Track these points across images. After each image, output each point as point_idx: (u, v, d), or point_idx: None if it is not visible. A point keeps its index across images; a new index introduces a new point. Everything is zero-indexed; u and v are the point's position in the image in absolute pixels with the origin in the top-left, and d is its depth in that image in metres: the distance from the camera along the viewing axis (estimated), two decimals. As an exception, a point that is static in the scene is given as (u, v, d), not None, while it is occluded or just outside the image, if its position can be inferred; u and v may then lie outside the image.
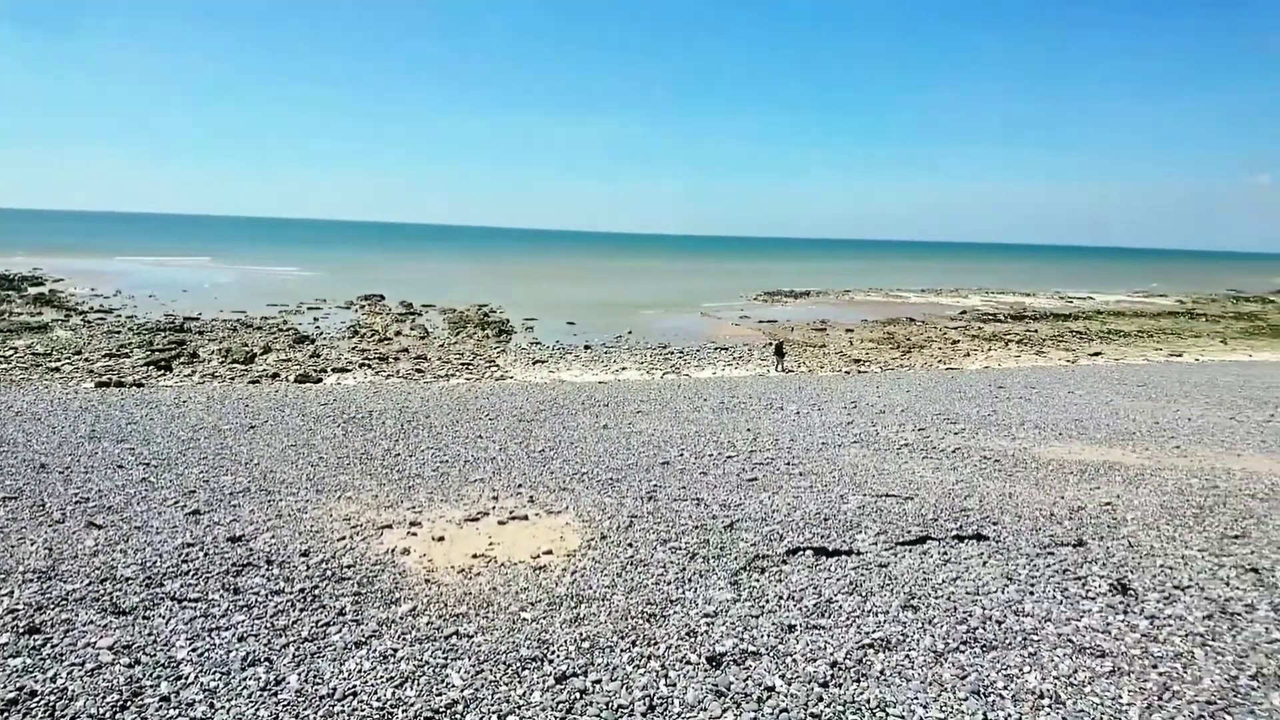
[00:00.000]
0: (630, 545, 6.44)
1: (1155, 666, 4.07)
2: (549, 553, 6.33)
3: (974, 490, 8.39)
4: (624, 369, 22.85)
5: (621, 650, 4.49)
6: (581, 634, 4.72)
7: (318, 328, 29.18)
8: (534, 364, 23.36)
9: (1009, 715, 3.63)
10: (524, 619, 4.98)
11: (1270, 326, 37.93)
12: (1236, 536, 6.57)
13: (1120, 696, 3.76)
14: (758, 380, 20.00)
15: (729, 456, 10.15)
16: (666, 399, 15.49)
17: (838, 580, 5.58)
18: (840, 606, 5.08)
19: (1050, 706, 3.70)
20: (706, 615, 4.97)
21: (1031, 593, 5.22)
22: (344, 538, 6.58)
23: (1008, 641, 4.45)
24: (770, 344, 28.01)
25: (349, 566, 5.88)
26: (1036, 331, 33.09)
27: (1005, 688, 3.88)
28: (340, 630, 4.76)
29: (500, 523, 7.17)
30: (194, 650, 4.41)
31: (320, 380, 19.25)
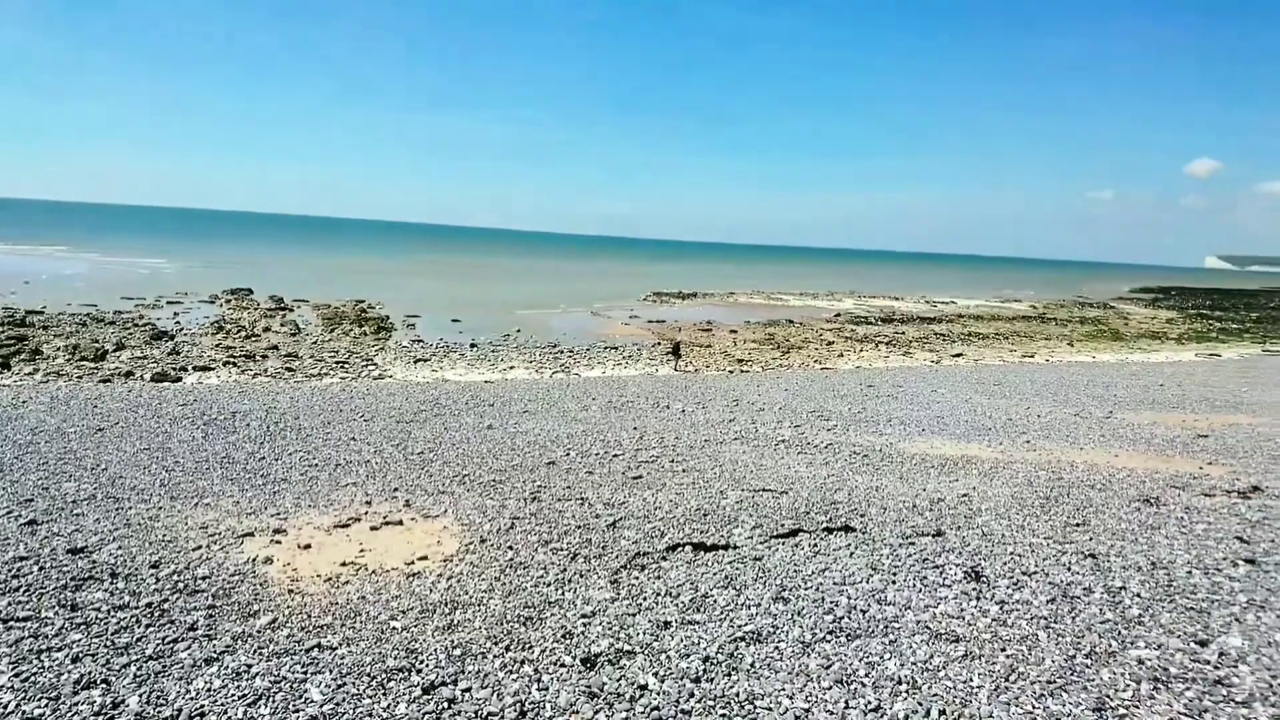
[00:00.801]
0: (510, 548, 6.34)
1: (1003, 649, 4.35)
2: (424, 558, 6.14)
3: (844, 484, 8.76)
4: (512, 368, 22.53)
5: (495, 656, 4.40)
6: (454, 641, 4.60)
7: (178, 323, 27.23)
8: (415, 363, 22.65)
9: (869, 702, 3.80)
10: (393, 628, 4.80)
11: (1111, 331, 41.59)
12: (1078, 525, 7.11)
13: (971, 680, 4.00)
14: (646, 379, 20.17)
15: (615, 455, 10.18)
16: (555, 398, 15.37)
17: (714, 575, 5.68)
18: (715, 601, 5.17)
19: (908, 692, 3.89)
20: (584, 616, 4.94)
21: (894, 582, 5.49)
22: (200, 547, 6.15)
23: (870, 630, 4.65)
24: (659, 343, 28.34)
25: (204, 578, 5.50)
26: (904, 334, 34.99)
27: (867, 675, 4.06)
28: (190, 647, 4.44)
29: (373, 528, 6.89)
30: (17, 675, 4.00)
31: (179, 379, 17.96)
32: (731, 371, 22.94)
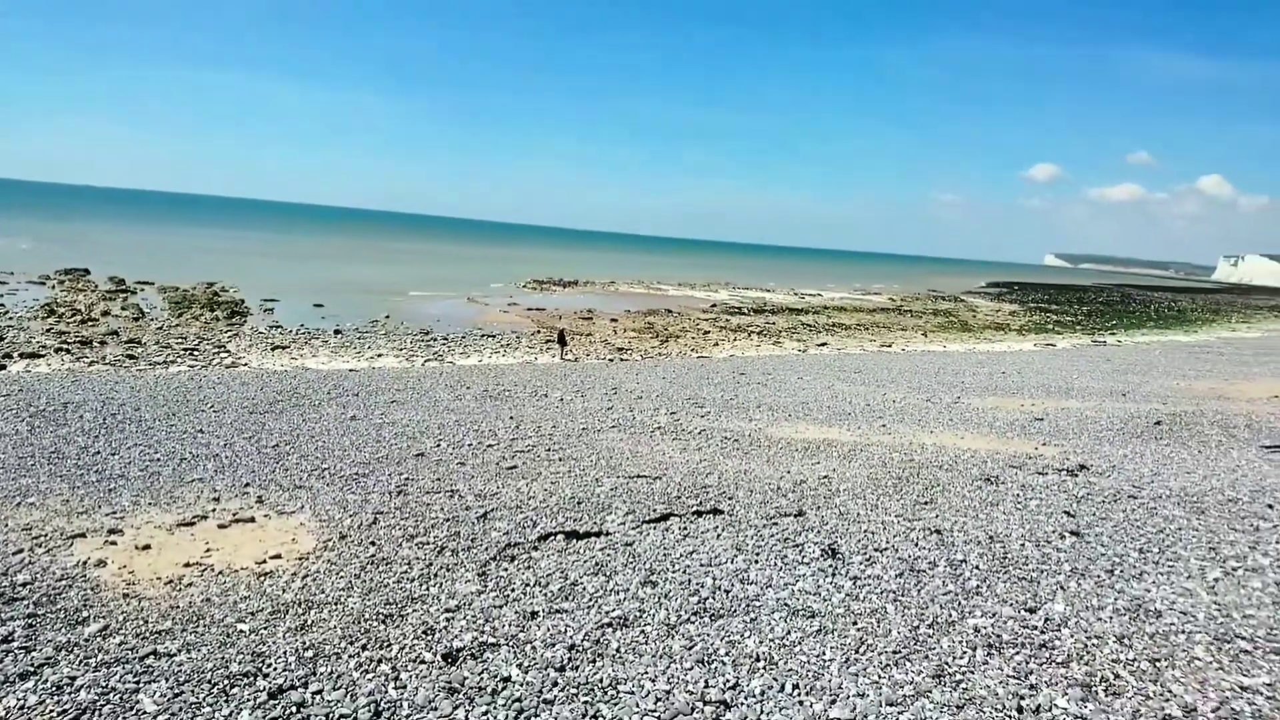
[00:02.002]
0: (373, 544, 6.08)
1: (855, 623, 4.56)
2: (277, 557, 5.80)
3: (715, 468, 8.95)
4: (380, 355, 21.68)
5: (350, 656, 4.20)
6: (306, 642, 4.35)
7: (1, 305, 24.55)
8: (273, 350, 21.40)
9: (728, 680, 3.89)
10: (240, 631, 4.50)
11: (961, 323, 44.69)
12: (926, 503, 7.55)
13: (824, 653, 4.17)
14: (525, 367, 19.93)
15: (489, 445, 9.98)
16: (426, 388, 14.90)
17: (585, 562, 5.66)
18: (585, 588, 5.15)
19: (765, 668, 4.01)
20: (448, 611, 4.80)
21: (757, 561, 5.66)
22: (21, 551, 5.57)
23: (733, 609, 4.77)
24: (538, 331, 28.06)
25: (25, 584, 4.98)
26: (775, 324, 36.31)
27: (727, 654, 4.16)
28: (3, 661, 3.99)
29: (221, 526, 6.45)
30: None
31: (3, 367, 16.21)
32: (612, 360, 23.05)
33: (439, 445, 9.87)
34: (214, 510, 6.82)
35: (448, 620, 4.66)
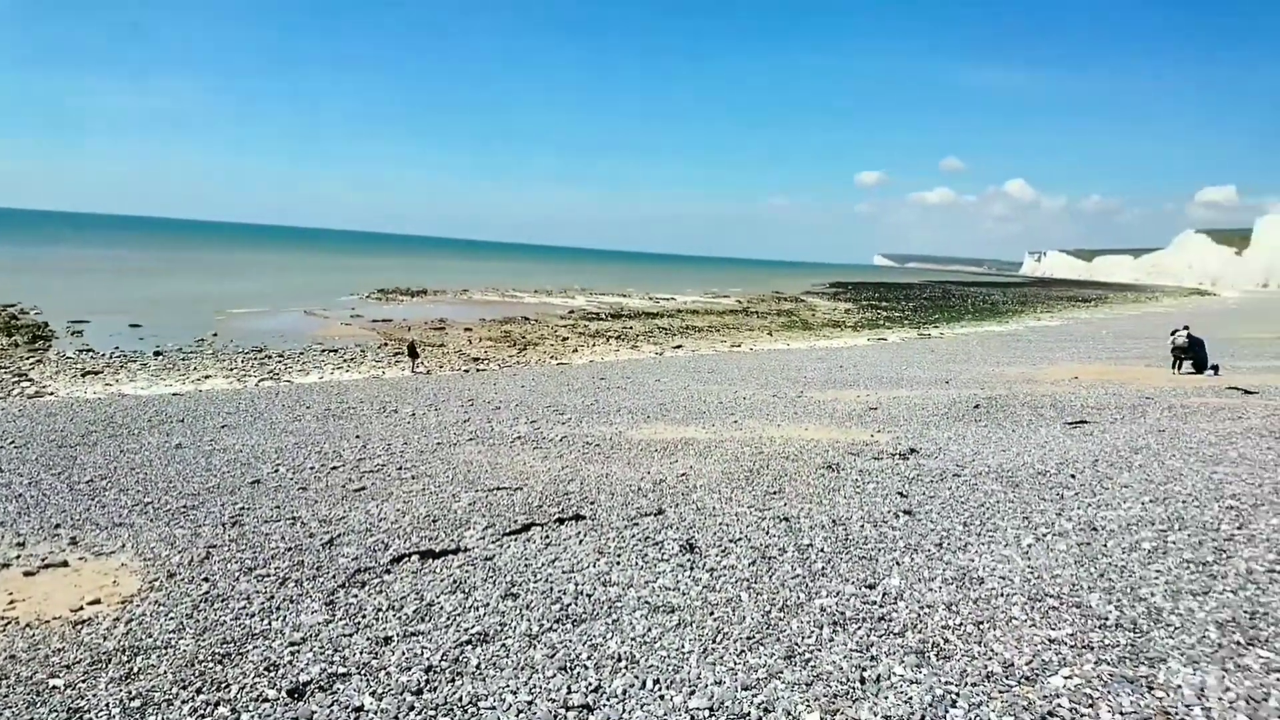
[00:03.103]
0: (206, 580, 5.63)
1: (712, 614, 4.69)
2: (96, 603, 5.25)
3: (577, 474, 8.96)
4: (208, 377, 20.12)
5: (183, 702, 3.86)
6: (132, 692, 3.96)
7: None
8: (84, 376, 19.37)
9: (590, 683, 3.89)
10: (53, 687, 4.03)
11: (802, 321, 47.14)
12: (775, 493, 7.89)
13: (683, 646, 4.25)
14: (371, 383, 19.11)
15: (334, 467, 9.49)
16: (261, 409, 13.97)
17: (442, 581, 5.50)
18: (442, 608, 5.00)
19: (626, 667, 4.05)
20: (292, 644, 4.51)
21: (618, 562, 5.70)
22: None
23: (595, 613, 4.78)
24: (385, 344, 26.97)
25: None
26: (632, 328, 36.86)
27: (589, 658, 4.16)
28: None
29: (28, 574, 5.77)
30: None
31: None
32: (467, 370, 22.55)
33: (277, 470, 9.29)
34: (18, 557, 6.09)
35: (293, 654, 4.38)
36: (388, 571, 5.79)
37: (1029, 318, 56.74)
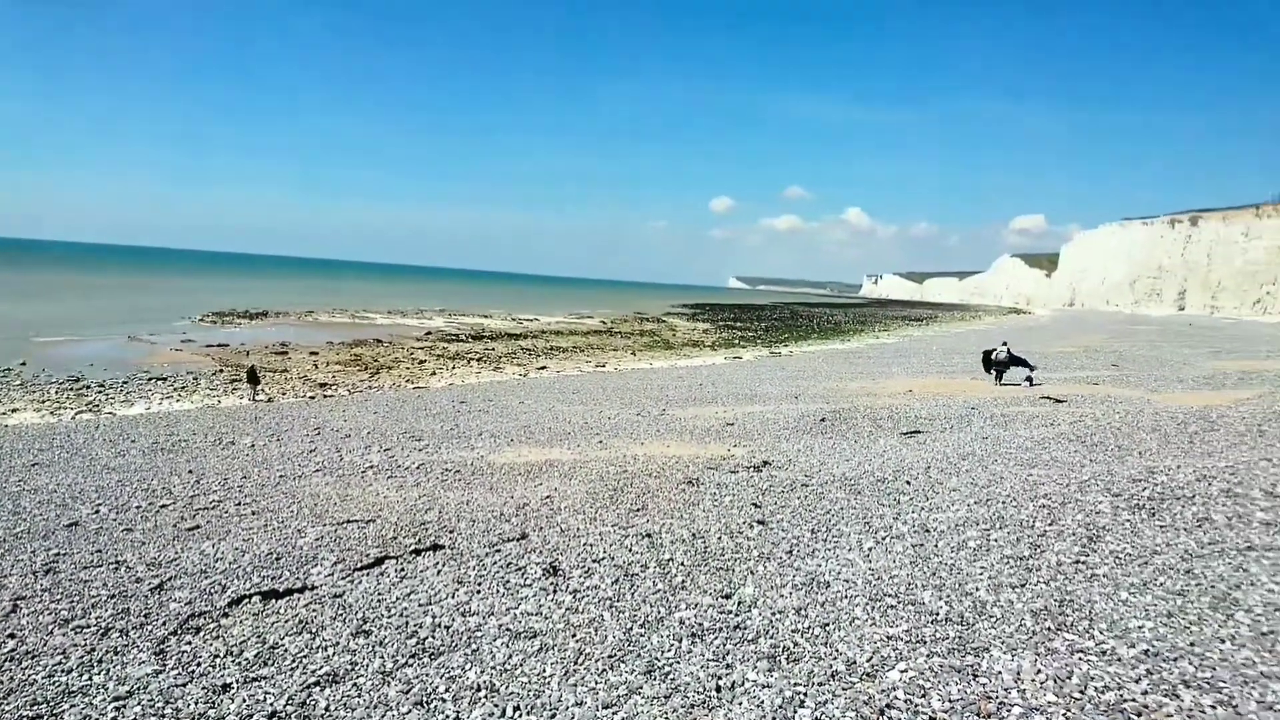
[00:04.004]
0: (12, 636, 5.01)
1: (574, 635, 4.68)
2: None
3: (435, 503, 8.68)
4: (15, 410, 17.99)
5: (-22, 781, 3.42)
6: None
7: None
8: None
9: (447, 716, 3.78)
10: None
11: (664, 341, 48.10)
12: (639, 510, 7.98)
13: (545, 670, 4.22)
14: (206, 412, 17.71)
15: (163, 505, 8.72)
16: (79, 444, 12.64)
17: (286, 622, 5.16)
18: (286, 650, 4.69)
19: (485, 697, 3.96)
20: (117, 700, 4.10)
21: (479, 591, 5.57)
22: None
23: (454, 644, 4.65)
24: (221, 370, 25.13)
25: None
26: (494, 349, 36.29)
27: (447, 690, 4.04)
28: None
29: None
30: None
31: None
32: (313, 397, 21.36)
33: (99, 511, 8.43)
34: None
35: (117, 710, 3.98)
36: (226, 615, 5.37)
37: (869, 336, 60.58)
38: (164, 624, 5.21)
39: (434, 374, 27.42)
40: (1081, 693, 3.64)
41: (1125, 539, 5.97)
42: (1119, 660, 3.95)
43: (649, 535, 6.90)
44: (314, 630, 5.00)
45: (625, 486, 9.16)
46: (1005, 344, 21.20)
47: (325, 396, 21.52)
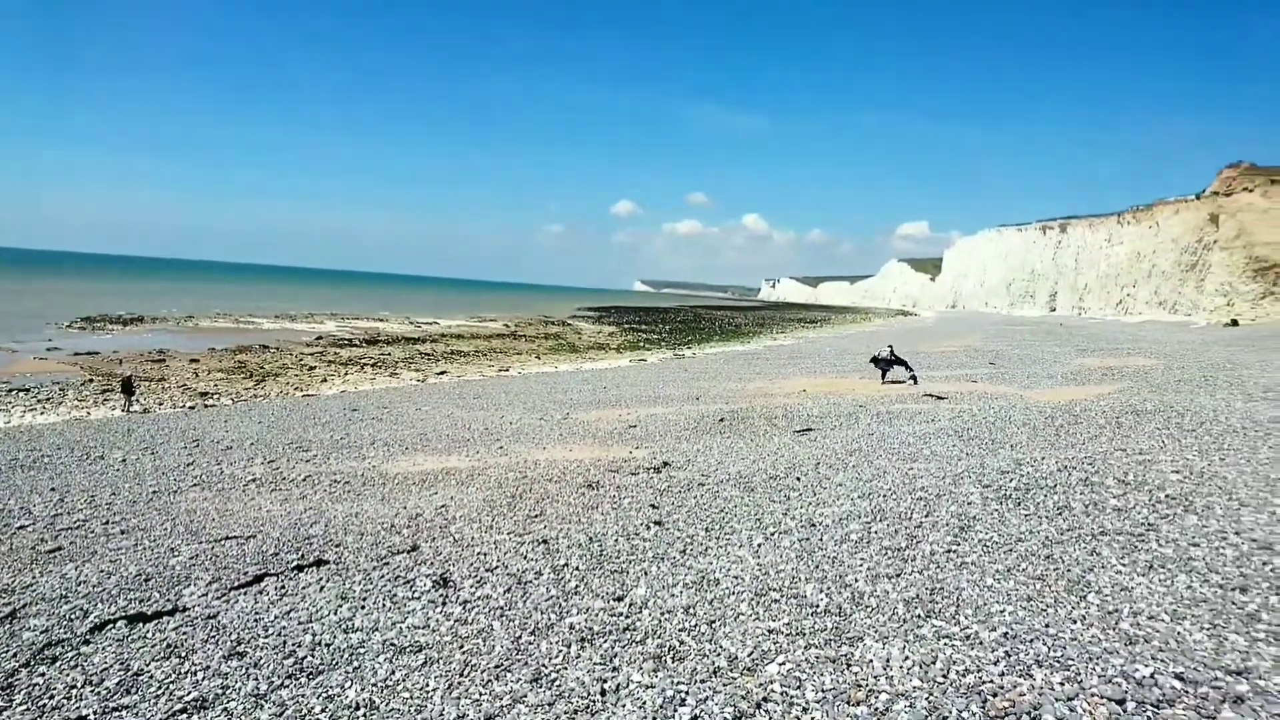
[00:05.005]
0: None
1: (461, 647, 4.60)
2: None
3: (321, 516, 8.36)
4: None
5: None
6: None
7: None
8: None
9: (322, 737, 3.66)
10: None
11: (569, 344, 47.94)
12: (536, 516, 7.92)
13: (428, 685, 4.13)
14: (73, 425, 16.45)
15: (20, 527, 8.06)
16: (-83, 465, 11.51)
17: (153, 647, 4.86)
18: (152, 676, 4.42)
19: (364, 715, 3.85)
20: (-50, 745, 3.76)
21: (363, 606, 5.40)
22: None
23: (334, 662, 4.49)
24: (91, 379, 23.42)
25: None
26: (390, 355, 35.24)
27: (324, 710, 3.90)
28: None
29: None
30: None
31: None
32: (193, 407, 20.19)
33: (-59, 537, 7.71)
34: None
35: (-51, 758, 3.65)
36: (86, 642, 5.02)
37: (767, 338, 62.22)
38: (14, 656, 4.82)
39: (324, 381, 26.40)
40: (945, 677, 3.86)
41: (993, 528, 6.36)
42: (981, 644, 4.20)
43: (545, 541, 6.87)
44: (183, 654, 4.73)
45: (524, 493, 9.08)
46: (890, 347, 22.39)
47: (206, 406, 20.37)
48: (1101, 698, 3.57)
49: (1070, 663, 3.94)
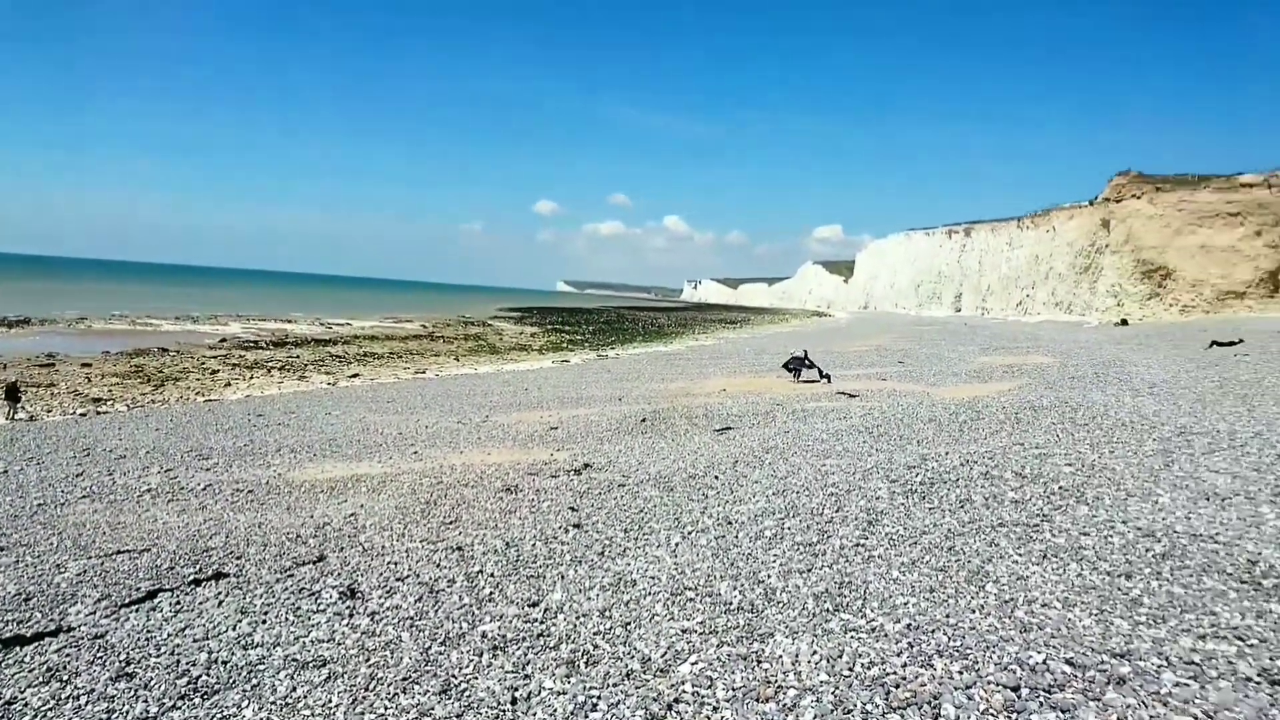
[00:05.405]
0: None
1: (368, 660, 4.45)
2: None
3: (222, 526, 7.98)
4: None
5: None
6: None
7: None
8: None
9: (216, 761, 3.48)
10: None
11: (489, 345, 47.22)
12: (451, 522, 7.75)
13: (331, 700, 3.98)
14: (-57, 437, 15.22)
15: (-121, 549, 7.40)
16: None
17: (31, 672, 4.53)
18: (28, 704, 4.12)
19: (263, 735, 3.69)
20: None
21: (264, 621, 5.17)
22: None
23: (231, 681, 4.28)
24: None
25: None
26: (299, 357, 33.93)
27: (217, 733, 3.72)
28: None
29: None
30: None
31: None
32: (85, 413, 18.97)
33: None
34: None
35: None
36: (-48, 672, 4.63)
37: (689, 338, 62.82)
38: None
39: (228, 385, 25.22)
40: (850, 670, 3.96)
41: (899, 521, 6.57)
42: (885, 636, 4.33)
43: (460, 548, 6.73)
44: (65, 678, 4.43)
45: (439, 499, 8.89)
46: (805, 351, 23.02)
47: (99, 413, 19.16)
48: (997, 685, 3.73)
49: (969, 652, 4.09)
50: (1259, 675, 3.69)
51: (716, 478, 8.94)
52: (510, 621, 4.88)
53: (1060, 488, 7.28)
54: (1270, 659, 3.83)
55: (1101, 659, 3.92)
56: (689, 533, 6.72)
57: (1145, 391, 14.23)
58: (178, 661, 4.57)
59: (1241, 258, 50.51)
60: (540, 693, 3.88)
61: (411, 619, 5.07)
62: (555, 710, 3.68)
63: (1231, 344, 23.97)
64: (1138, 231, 56.86)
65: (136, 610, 5.54)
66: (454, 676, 4.14)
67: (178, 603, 5.64)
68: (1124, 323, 52.07)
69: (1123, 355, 23.90)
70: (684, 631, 4.49)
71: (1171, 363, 20.10)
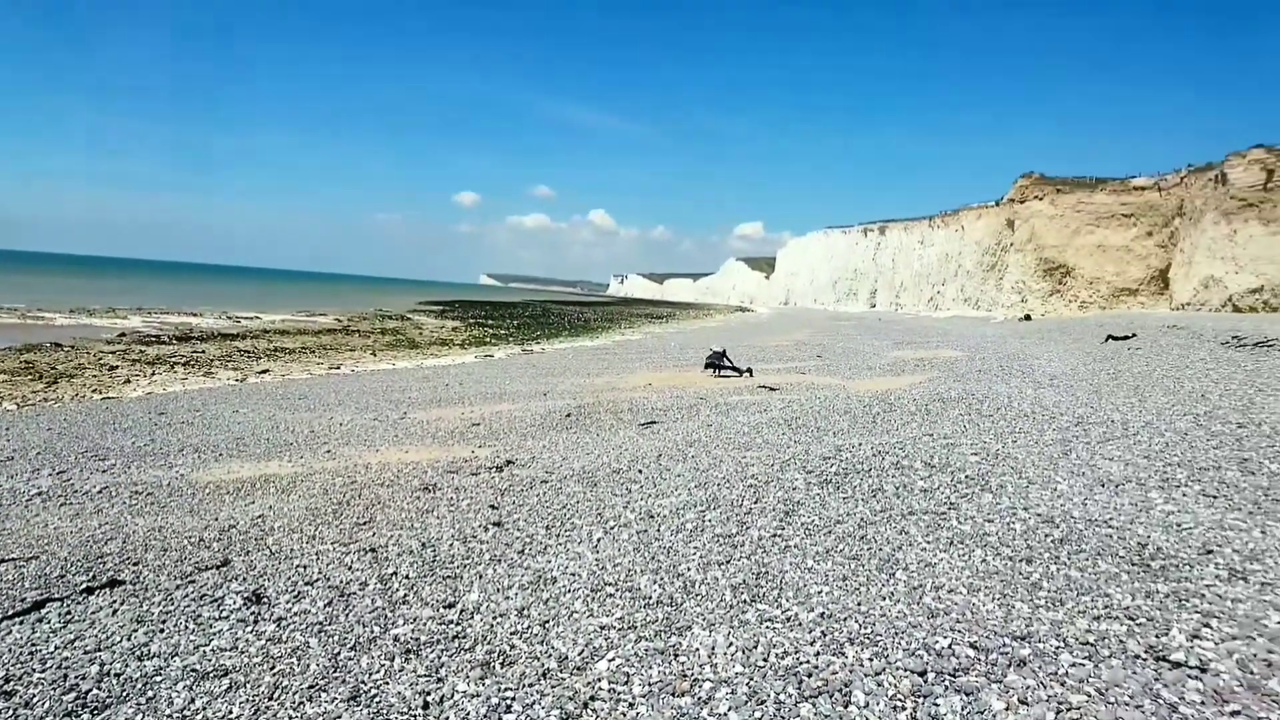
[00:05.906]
0: None
1: (273, 668, 4.27)
2: None
3: (119, 531, 7.55)
4: None
5: None
6: None
7: None
8: None
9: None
10: None
11: (409, 340, 46.09)
12: (365, 523, 7.52)
13: (231, 712, 3.80)
14: None
15: None
16: None
17: (-105, 696, 4.18)
18: (-111, 734, 3.80)
19: (156, 752, 3.50)
20: None
21: (162, 630, 4.90)
22: None
23: (124, 694, 4.03)
24: None
25: None
26: (204, 352, 32.39)
27: (104, 751, 3.51)
28: None
29: None
30: None
31: None
32: (-36, 415, 17.64)
33: None
34: None
35: None
36: None
37: (615, 333, 62.84)
38: None
39: (128, 382, 23.88)
40: (765, 660, 4.03)
41: (815, 511, 6.74)
42: (799, 625, 4.42)
43: (373, 550, 6.54)
44: (-66, 702, 4.10)
45: (352, 499, 8.62)
46: (724, 348, 23.43)
47: (-18, 413, 17.86)
48: (906, 670, 3.86)
49: (879, 639, 4.22)
50: (1145, 652, 3.93)
51: (640, 471, 8.97)
52: (424, 624, 4.77)
53: (966, 476, 7.59)
54: (1156, 637, 4.08)
55: (1004, 642, 4.11)
56: (611, 528, 6.72)
57: (1046, 383, 14.99)
58: (65, 676, 4.29)
59: (1134, 257, 53.88)
60: (454, 696, 3.80)
61: (320, 624, 4.90)
62: (469, 713, 3.61)
63: (1125, 338, 25.52)
64: (1040, 231, 59.89)
65: (21, 622, 5.17)
66: (364, 683, 4.02)
67: (68, 613, 5.30)
68: (1028, 318, 54.75)
69: (1026, 349, 25.12)
70: (603, 628, 4.48)
71: (1070, 356, 21.25)
